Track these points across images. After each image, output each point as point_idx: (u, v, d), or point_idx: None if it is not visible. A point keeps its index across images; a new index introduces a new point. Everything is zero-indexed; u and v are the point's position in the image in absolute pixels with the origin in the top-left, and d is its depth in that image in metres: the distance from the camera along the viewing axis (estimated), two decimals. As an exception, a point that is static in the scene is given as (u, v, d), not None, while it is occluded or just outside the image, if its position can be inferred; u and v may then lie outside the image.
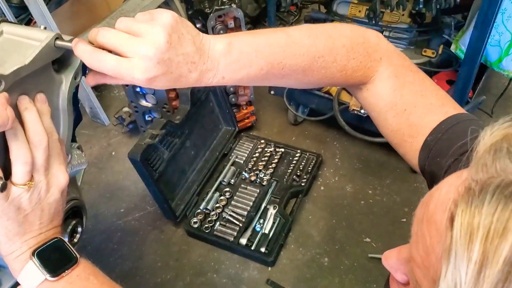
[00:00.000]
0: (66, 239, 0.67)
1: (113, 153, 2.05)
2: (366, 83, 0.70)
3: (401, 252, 0.48)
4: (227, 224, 1.72)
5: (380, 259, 1.66)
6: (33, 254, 0.59)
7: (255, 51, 0.59)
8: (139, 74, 0.53)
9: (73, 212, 0.76)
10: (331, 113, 1.77)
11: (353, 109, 1.67)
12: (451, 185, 0.40)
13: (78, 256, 0.62)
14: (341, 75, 0.67)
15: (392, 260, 0.48)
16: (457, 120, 0.64)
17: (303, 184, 1.82)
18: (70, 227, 0.72)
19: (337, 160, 1.96)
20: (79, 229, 0.76)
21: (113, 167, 2.00)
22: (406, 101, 0.68)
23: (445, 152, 0.62)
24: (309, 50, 0.63)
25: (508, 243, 0.32)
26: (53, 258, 0.60)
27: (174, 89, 1.78)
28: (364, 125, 1.75)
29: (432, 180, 0.65)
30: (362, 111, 1.66)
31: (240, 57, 0.58)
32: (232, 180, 1.85)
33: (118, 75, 0.53)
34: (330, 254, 1.68)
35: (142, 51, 0.52)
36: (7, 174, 0.57)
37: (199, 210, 1.76)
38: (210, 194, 1.80)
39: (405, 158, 0.71)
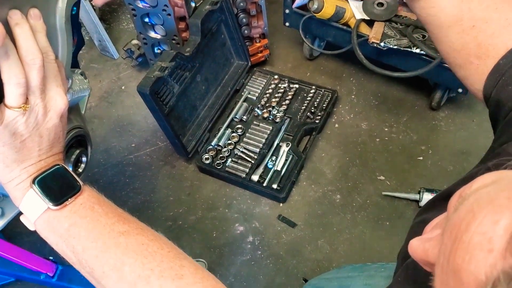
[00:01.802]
0: (70, 169, 0.64)
1: (123, 87, 2.01)
2: None
3: (428, 255, 0.40)
4: (239, 161, 1.70)
5: (394, 197, 1.63)
6: (33, 182, 0.56)
7: None
8: None
9: (77, 141, 0.73)
10: (348, 46, 1.68)
11: (373, 42, 1.58)
12: (484, 236, 0.30)
13: (81, 183, 0.60)
14: None
15: (418, 255, 0.41)
16: None
17: (317, 121, 1.78)
18: (74, 156, 0.70)
19: (353, 96, 1.89)
20: (84, 159, 0.73)
21: (123, 101, 1.97)
22: (475, 15, 0.58)
23: None
24: None
25: None
26: (55, 186, 0.58)
27: (184, 19, 1.70)
28: (383, 59, 1.67)
29: (497, 110, 0.57)
30: (382, 44, 1.57)
31: None
32: (244, 117, 1.81)
33: None
34: (343, 191, 1.66)
35: None
36: (0, 97, 0.53)
37: (210, 147, 1.74)
38: (221, 130, 1.77)
39: (464, 81, 0.63)
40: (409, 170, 1.69)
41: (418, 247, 0.41)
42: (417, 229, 0.68)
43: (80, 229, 0.57)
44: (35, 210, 0.57)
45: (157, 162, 1.79)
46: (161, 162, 1.79)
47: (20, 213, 0.61)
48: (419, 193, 1.59)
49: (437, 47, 0.65)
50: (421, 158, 1.72)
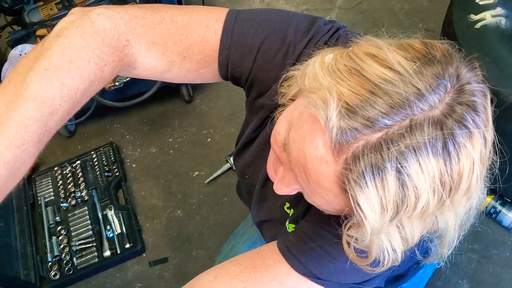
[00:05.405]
0: None
1: None
2: (130, 65, 0.66)
3: (290, 187, 0.59)
4: (84, 253, 1.72)
5: (214, 178, 1.88)
6: None
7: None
8: None
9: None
10: (93, 105, 1.81)
11: (109, 87, 1.77)
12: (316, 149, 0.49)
13: None
14: (103, 83, 0.60)
15: (285, 192, 0.61)
16: (231, 19, 0.68)
17: (117, 174, 1.90)
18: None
19: (127, 136, 2.06)
20: None
21: None
22: (175, 51, 0.67)
23: (245, 58, 0.69)
24: (63, 92, 0.54)
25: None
26: None
27: None
28: (127, 93, 1.87)
29: (237, 82, 0.74)
30: (117, 83, 1.77)
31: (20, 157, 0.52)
32: (57, 218, 1.81)
33: None
34: (179, 205, 1.85)
35: None
36: None
37: (50, 263, 1.71)
38: (47, 243, 1.75)
39: (207, 82, 0.78)
40: (209, 153, 1.97)
41: (282, 187, 0.61)
42: (248, 170, 0.93)
43: None
44: None
45: (13, 317, 1.68)
46: (16, 314, 1.68)
47: None
48: (227, 161, 1.88)
49: (174, 82, 0.78)
50: (209, 139, 2.01)
